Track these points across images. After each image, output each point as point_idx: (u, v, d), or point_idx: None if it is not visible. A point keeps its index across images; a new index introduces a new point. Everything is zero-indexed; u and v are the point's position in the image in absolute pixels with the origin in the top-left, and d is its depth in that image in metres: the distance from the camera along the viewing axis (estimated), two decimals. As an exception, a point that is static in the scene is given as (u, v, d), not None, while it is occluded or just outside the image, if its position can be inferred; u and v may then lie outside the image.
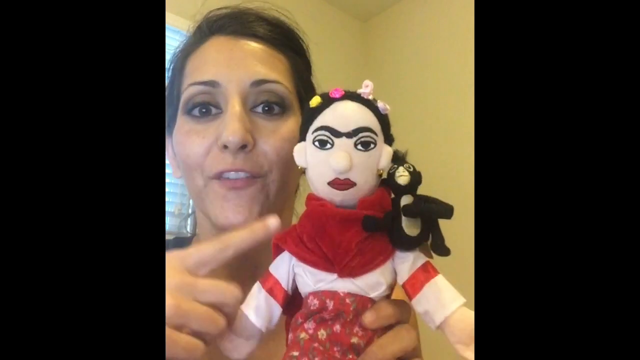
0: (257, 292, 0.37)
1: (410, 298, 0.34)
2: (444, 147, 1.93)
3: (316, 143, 0.35)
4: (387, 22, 2.38)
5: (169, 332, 0.32)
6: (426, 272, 0.34)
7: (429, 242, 0.34)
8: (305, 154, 0.36)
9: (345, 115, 0.35)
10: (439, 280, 0.34)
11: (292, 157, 0.49)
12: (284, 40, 0.54)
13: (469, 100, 1.75)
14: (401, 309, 0.35)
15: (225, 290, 0.35)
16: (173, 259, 0.35)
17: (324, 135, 0.34)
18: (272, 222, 0.38)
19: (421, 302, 0.34)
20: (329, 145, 0.34)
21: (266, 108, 0.48)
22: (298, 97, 0.53)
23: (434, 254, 0.35)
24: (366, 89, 0.35)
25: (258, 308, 0.36)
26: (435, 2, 2.14)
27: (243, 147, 0.45)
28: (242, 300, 0.36)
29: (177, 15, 1.48)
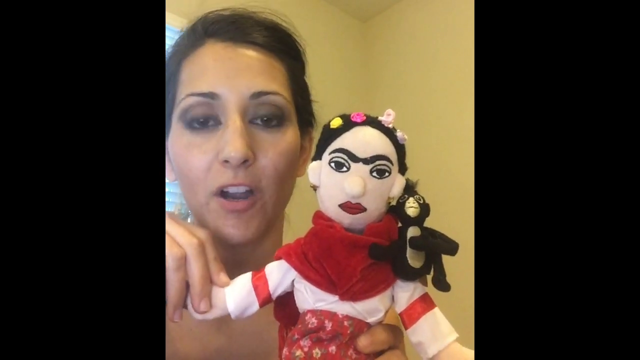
0: (245, 281, 0.38)
1: (406, 327, 0.35)
2: (444, 147, 1.94)
3: (332, 164, 0.35)
4: (387, 22, 2.37)
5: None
6: (424, 304, 0.35)
7: (431, 275, 0.35)
8: (319, 172, 0.36)
9: (365, 141, 0.35)
10: (436, 313, 0.35)
11: (288, 172, 0.51)
12: (281, 46, 0.54)
13: (469, 100, 1.75)
14: (394, 335, 0.36)
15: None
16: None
17: (341, 158, 0.35)
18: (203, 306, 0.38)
19: (416, 333, 0.35)
20: (345, 169, 0.35)
21: (265, 119, 0.49)
22: (295, 105, 0.53)
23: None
24: (388, 117, 0.36)
25: (237, 295, 0.38)
26: (435, 2, 2.14)
27: (244, 162, 0.46)
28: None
29: (177, 15, 1.47)
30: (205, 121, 0.48)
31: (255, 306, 0.38)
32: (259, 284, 0.38)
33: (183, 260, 0.37)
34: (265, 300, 0.38)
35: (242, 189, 0.47)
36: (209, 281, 0.38)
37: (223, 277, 0.39)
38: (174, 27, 1.53)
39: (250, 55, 0.50)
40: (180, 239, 0.38)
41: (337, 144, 0.36)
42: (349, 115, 0.37)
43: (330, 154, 0.36)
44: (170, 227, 0.39)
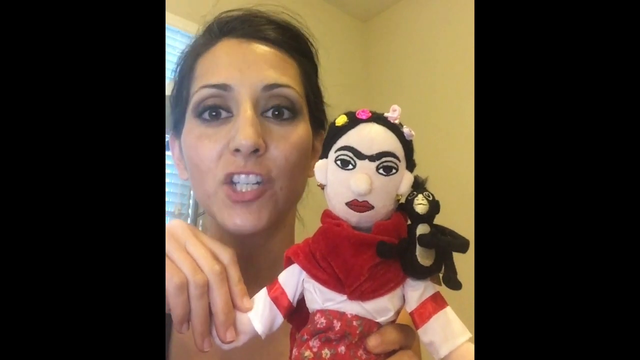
0: (263, 299, 0.38)
1: (417, 327, 0.34)
2: (444, 147, 1.95)
3: (338, 162, 0.35)
4: (387, 22, 2.38)
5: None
6: (435, 303, 0.34)
7: (441, 274, 0.34)
8: (326, 171, 0.36)
9: (370, 138, 0.34)
10: (448, 312, 0.34)
11: (300, 164, 0.50)
12: (294, 44, 0.54)
13: (469, 100, 1.76)
14: (406, 335, 0.35)
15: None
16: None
17: (346, 155, 0.34)
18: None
19: (428, 333, 0.34)
20: (350, 166, 0.34)
21: (276, 112, 0.49)
22: (307, 101, 0.53)
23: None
24: (394, 114, 0.35)
25: (261, 314, 0.37)
26: (435, 2, 2.15)
27: (255, 151, 0.46)
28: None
29: (178, 16, 1.48)
30: (217, 113, 0.48)
31: (280, 318, 0.37)
32: (277, 295, 0.37)
33: (205, 288, 0.37)
34: (288, 309, 0.37)
35: (252, 179, 0.46)
36: (233, 309, 0.37)
37: (246, 302, 0.38)
38: (176, 28, 1.55)
39: (263, 49, 0.51)
40: (202, 263, 0.37)
41: (342, 141, 0.35)
42: (354, 113, 0.36)
43: (335, 151, 0.35)
44: (194, 248, 0.38)
